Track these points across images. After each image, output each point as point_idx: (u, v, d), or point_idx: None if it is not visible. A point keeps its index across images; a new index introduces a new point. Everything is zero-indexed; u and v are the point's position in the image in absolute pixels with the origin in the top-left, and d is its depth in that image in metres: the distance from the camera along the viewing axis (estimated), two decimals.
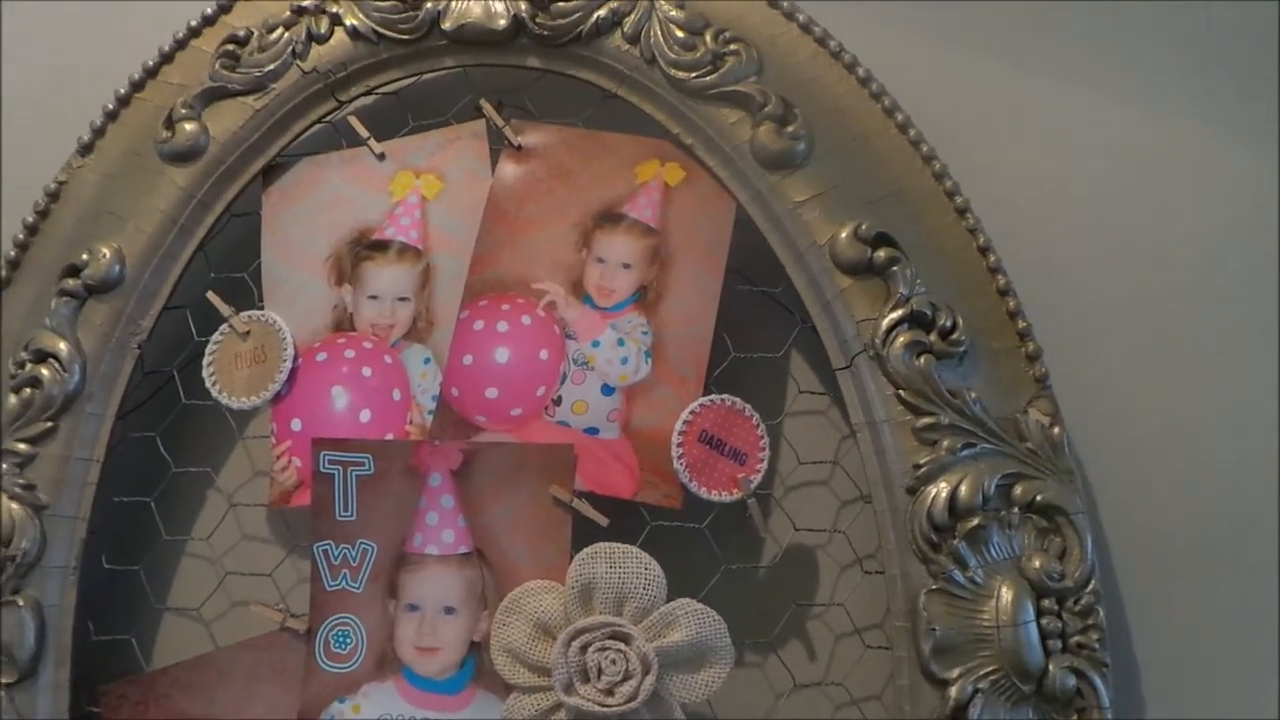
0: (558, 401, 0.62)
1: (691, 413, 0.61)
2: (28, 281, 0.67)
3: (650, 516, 0.61)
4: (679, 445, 0.60)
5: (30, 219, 0.67)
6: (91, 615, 0.64)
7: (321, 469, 0.61)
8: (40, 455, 0.63)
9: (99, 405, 0.64)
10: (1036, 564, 0.58)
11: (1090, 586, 0.58)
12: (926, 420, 0.59)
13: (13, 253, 0.67)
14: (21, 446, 0.63)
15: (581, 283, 0.64)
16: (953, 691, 0.56)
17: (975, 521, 0.58)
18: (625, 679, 0.55)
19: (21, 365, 0.64)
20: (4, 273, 0.67)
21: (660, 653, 0.56)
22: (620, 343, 0.62)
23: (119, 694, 0.61)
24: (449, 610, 0.60)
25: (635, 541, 0.59)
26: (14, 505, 0.62)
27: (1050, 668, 0.56)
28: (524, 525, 0.60)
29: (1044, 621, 0.57)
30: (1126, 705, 0.60)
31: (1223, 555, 0.61)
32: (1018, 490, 0.59)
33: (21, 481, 0.63)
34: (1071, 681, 0.56)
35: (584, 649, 0.56)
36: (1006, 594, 0.57)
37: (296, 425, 0.63)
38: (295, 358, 0.64)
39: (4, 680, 0.60)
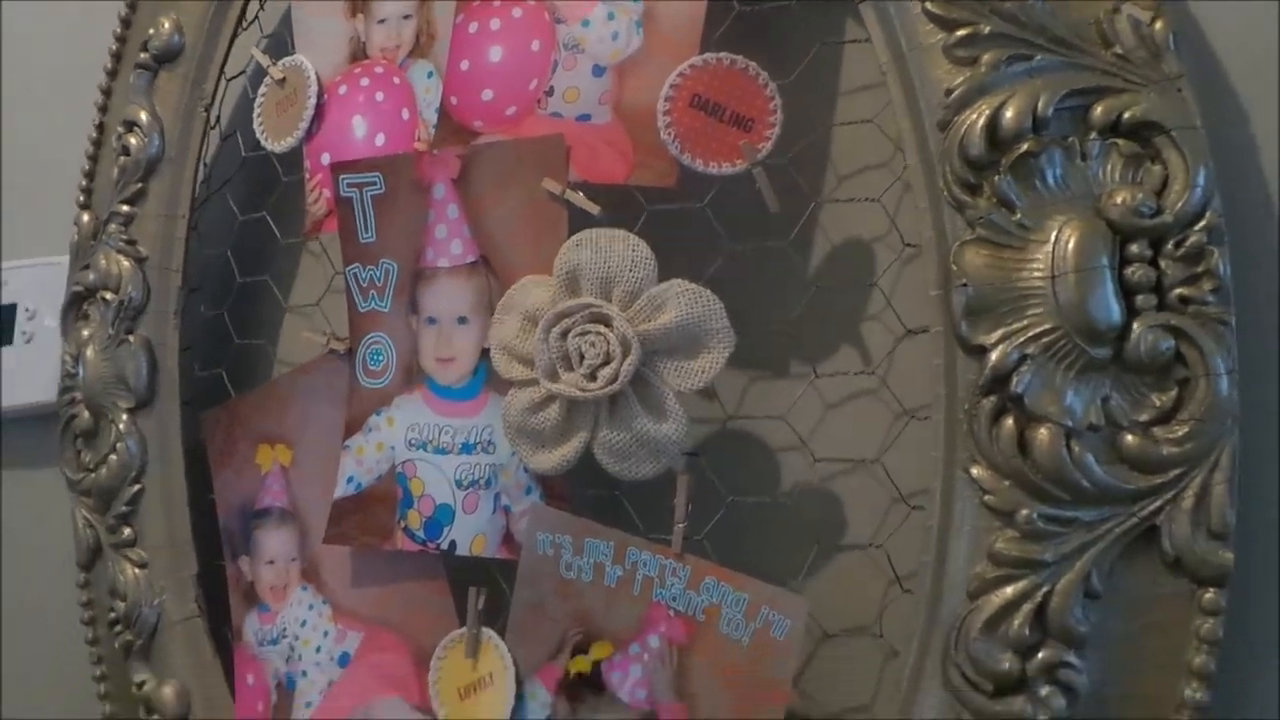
0: (550, 93, 0.57)
1: (679, 75, 0.53)
2: (127, 67, 0.74)
3: (647, 201, 0.55)
4: (666, 114, 0.53)
5: (123, 12, 0.74)
6: (199, 356, 0.71)
7: (342, 193, 0.62)
8: (138, 215, 0.70)
9: (177, 168, 0.70)
10: (1120, 199, 0.44)
11: (1202, 223, 0.43)
12: (962, 33, 0.47)
13: (114, 46, 0.74)
14: (124, 207, 0.71)
15: None
16: (992, 358, 0.45)
17: (1023, 148, 0.45)
18: (605, 362, 0.51)
19: (119, 137, 0.71)
20: (110, 64, 0.74)
21: (648, 336, 0.50)
22: (610, 16, 0.56)
23: (214, 419, 0.68)
24: (462, 320, 0.59)
25: (633, 229, 0.53)
26: (121, 258, 0.70)
27: (1134, 326, 0.43)
28: (522, 226, 0.57)
29: (1130, 270, 0.44)
30: (1254, 383, 0.44)
31: None
32: (1098, 110, 0.45)
33: (125, 238, 0.70)
34: (1167, 344, 0.43)
35: (564, 335, 0.52)
36: (1068, 235, 0.44)
37: (326, 159, 0.64)
38: (320, 94, 0.65)
39: (125, 405, 0.69)
